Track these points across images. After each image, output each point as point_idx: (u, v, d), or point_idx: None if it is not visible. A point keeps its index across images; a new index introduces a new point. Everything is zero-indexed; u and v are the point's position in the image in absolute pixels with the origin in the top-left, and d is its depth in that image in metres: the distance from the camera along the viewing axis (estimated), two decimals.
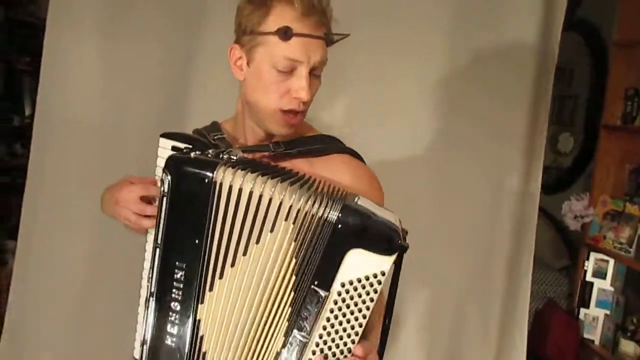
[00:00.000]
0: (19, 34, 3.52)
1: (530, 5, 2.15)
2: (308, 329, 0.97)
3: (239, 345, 1.01)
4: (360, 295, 0.95)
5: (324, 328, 0.96)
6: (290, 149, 1.10)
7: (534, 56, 2.17)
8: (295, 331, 0.97)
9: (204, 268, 0.98)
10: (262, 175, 0.96)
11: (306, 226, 0.94)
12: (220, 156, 1.02)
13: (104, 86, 2.15)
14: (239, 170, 0.95)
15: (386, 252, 0.93)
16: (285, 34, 1.00)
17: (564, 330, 2.36)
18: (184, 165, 0.97)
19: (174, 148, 1.07)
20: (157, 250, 1.00)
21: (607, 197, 2.32)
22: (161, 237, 0.99)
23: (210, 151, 1.04)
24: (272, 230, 0.95)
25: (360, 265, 0.94)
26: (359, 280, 0.94)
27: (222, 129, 1.20)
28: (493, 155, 2.19)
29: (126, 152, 2.18)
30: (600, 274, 2.29)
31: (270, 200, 0.94)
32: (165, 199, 0.98)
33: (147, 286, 1.03)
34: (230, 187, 0.95)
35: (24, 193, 2.19)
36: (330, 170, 1.11)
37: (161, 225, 0.99)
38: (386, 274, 0.95)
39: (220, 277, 0.98)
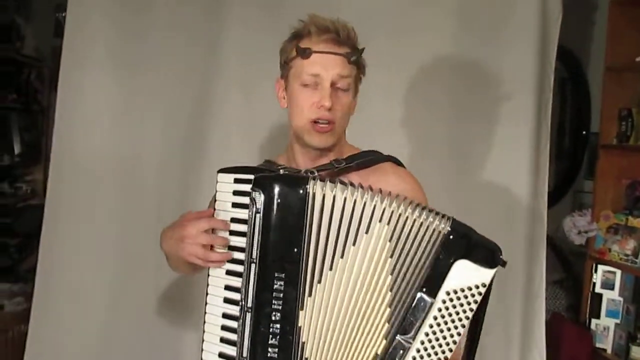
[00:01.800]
0: (2, 71, 3.46)
1: (528, 32, 2.29)
2: (412, 334, 1.02)
3: (339, 349, 1.05)
4: (462, 305, 1.03)
5: (426, 334, 1.03)
6: (349, 163, 1.22)
7: (533, 81, 2.31)
8: (398, 335, 1.03)
9: (304, 275, 1.03)
10: (350, 186, 1.05)
11: (401, 228, 1.03)
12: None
13: (120, 117, 2.18)
14: (328, 183, 1.04)
15: (489, 265, 1.03)
16: (304, 52, 1.18)
17: (576, 341, 2.46)
18: (278, 181, 1.05)
19: (237, 180, 1.14)
20: (252, 265, 1.04)
21: (609, 212, 2.45)
22: (256, 252, 1.04)
23: (281, 171, 1.13)
24: (367, 232, 1.03)
25: (465, 275, 1.03)
26: (462, 290, 1.03)
27: (276, 162, 1.29)
28: (501, 174, 2.30)
29: (144, 184, 2.19)
30: (608, 285, 2.42)
31: (364, 204, 1.03)
32: (258, 215, 1.04)
33: (241, 303, 1.05)
34: (324, 196, 1.03)
35: (41, 231, 2.16)
36: (380, 177, 1.21)
37: (255, 241, 1.04)
38: (486, 286, 1.02)
39: (320, 281, 1.04)
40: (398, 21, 2.20)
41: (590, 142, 3.06)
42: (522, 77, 2.30)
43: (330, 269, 1.03)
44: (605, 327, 2.42)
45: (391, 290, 1.03)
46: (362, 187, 1.04)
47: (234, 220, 1.13)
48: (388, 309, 1.03)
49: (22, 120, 3.39)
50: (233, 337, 1.11)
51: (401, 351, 1.03)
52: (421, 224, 1.02)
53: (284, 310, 1.02)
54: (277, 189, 1.03)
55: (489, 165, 2.29)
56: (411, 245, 1.03)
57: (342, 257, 1.03)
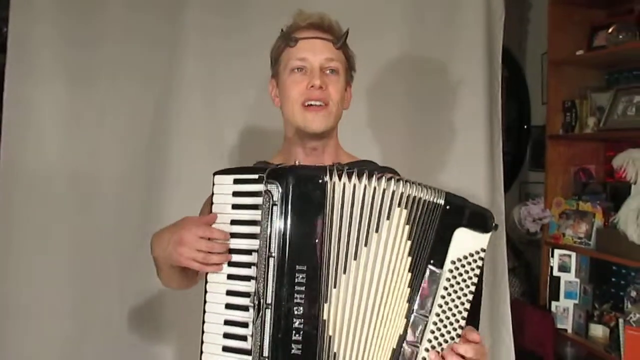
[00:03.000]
0: None
1: (475, 31, 2.40)
2: (429, 307, 1.04)
3: (365, 338, 1.03)
4: (467, 272, 1.05)
5: (440, 306, 1.04)
6: (350, 169, 1.19)
7: (482, 78, 2.41)
8: (415, 312, 1.04)
9: (328, 266, 1.01)
10: (367, 174, 1.04)
11: (415, 209, 1.04)
12: None
13: (74, 130, 2.08)
14: (346, 172, 1.03)
15: (485, 230, 1.05)
16: (290, 40, 1.21)
17: (539, 324, 2.57)
18: (295, 172, 1.03)
19: (237, 181, 1.11)
20: (271, 259, 1.00)
21: (560, 198, 2.58)
22: (274, 246, 1.01)
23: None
24: (388, 218, 1.03)
25: (465, 243, 1.05)
26: (465, 257, 1.05)
27: (271, 163, 1.27)
28: (460, 167, 2.38)
29: (104, 199, 2.10)
30: (565, 268, 2.54)
31: (384, 190, 1.03)
32: (275, 207, 1.01)
33: (257, 301, 1.01)
34: (344, 185, 1.02)
35: None
36: None
37: (274, 234, 1.01)
38: (485, 250, 1.06)
39: (344, 272, 1.02)
40: (357, 23, 2.24)
41: (532, 134, 3.22)
42: (473, 74, 2.40)
43: (355, 258, 1.02)
44: (565, 309, 2.54)
45: (410, 271, 1.04)
46: (378, 174, 1.04)
47: (234, 222, 1.10)
48: (408, 289, 1.04)
49: None
50: (237, 344, 1.06)
51: (420, 326, 1.03)
52: (427, 202, 1.04)
53: (307, 304, 0.99)
54: (294, 180, 1.01)
55: (449, 160, 2.37)
56: (423, 224, 1.04)
57: (365, 245, 1.02)
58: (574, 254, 2.54)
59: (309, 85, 1.18)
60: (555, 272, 2.57)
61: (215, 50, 2.12)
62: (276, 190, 1.01)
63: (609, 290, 2.57)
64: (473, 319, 1.07)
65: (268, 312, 0.99)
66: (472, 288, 1.04)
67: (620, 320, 2.26)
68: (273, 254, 1.00)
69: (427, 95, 2.32)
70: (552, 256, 2.59)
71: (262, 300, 1.00)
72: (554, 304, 2.57)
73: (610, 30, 2.38)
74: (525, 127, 3.28)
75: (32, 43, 2.05)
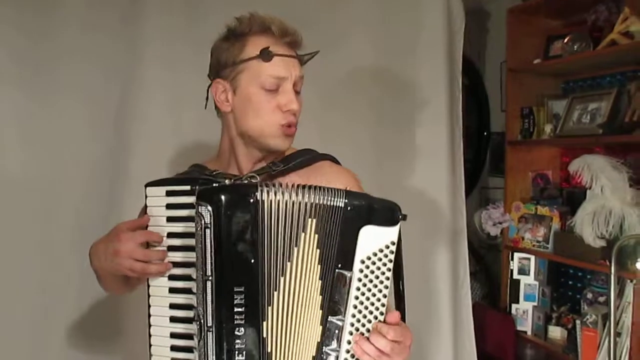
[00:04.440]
0: None
1: (436, 41, 2.45)
2: (342, 311, 1.04)
3: (295, 350, 1.04)
4: (379, 268, 1.05)
5: (355, 307, 1.04)
6: (286, 164, 1.21)
7: (444, 86, 2.46)
8: (330, 317, 1.04)
9: (262, 285, 1.01)
10: (291, 187, 1.04)
11: (322, 216, 1.04)
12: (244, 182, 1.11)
13: (30, 130, 2.02)
14: (273, 187, 1.03)
15: (391, 223, 1.05)
16: (267, 54, 1.13)
17: (499, 327, 2.62)
18: (225, 193, 1.01)
19: (170, 193, 1.11)
20: (208, 282, 1.00)
21: (519, 203, 2.64)
22: (211, 268, 1.00)
23: (226, 181, 1.10)
24: (304, 230, 1.03)
25: (373, 240, 1.04)
26: (375, 254, 1.05)
27: (207, 167, 1.25)
28: (422, 173, 2.42)
29: (63, 203, 2.05)
30: (524, 271, 2.60)
31: (299, 203, 1.03)
32: (208, 230, 0.99)
33: (200, 322, 1.01)
34: (271, 202, 1.02)
35: None
36: (320, 176, 1.21)
37: (208, 257, 1.00)
38: (395, 243, 1.06)
39: (276, 288, 1.02)
40: (319, 33, 2.25)
41: (491, 141, 3.30)
42: (434, 82, 2.45)
43: (282, 274, 1.02)
44: (524, 311, 2.59)
45: (320, 279, 1.04)
46: (299, 186, 1.04)
47: (170, 235, 1.09)
48: (320, 297, 1.04)
49: None
50: (185, 356, 1.08)
51: (337, 331, 1.03)
52: (329, 207, 1.03)
53: (247, 324, 1.00)
54: (225, 201, 0.99)
55: (410, 165, 2.40)
56: (328, 230, 1.04)
57: (289, 260, 1.02)
58: (532, 257, 2.60)
59: (285, 108, 1.15)
60: (515, 275, 2.62)
61: (176, 61, 2.10)
62: (207, 212, 0.99)
63: (567, 293, 2.64)
64: (399, 305, 1.10)
65: (210, 334, 1.00)
66: (387, 283, 1.04)
67: (577, 322, 2.32)
68: (210, 277, 0.99)
69: (388, 100, 2.35)
70: (512, 259, 2.64)
71: (202, 323, 1.00)
72: (514, 306, 2.62)
73: (565, 40, 2.46)
74: (485, 133, 3.35)
75: None
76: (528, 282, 2.58)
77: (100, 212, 2.07)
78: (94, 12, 2.03)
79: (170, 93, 2.11)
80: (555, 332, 2.49)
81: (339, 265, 1.03)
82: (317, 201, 1.02)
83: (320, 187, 1.04)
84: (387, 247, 1.04)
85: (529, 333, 2.59)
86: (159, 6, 2.08)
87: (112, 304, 2.03)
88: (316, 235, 1.03)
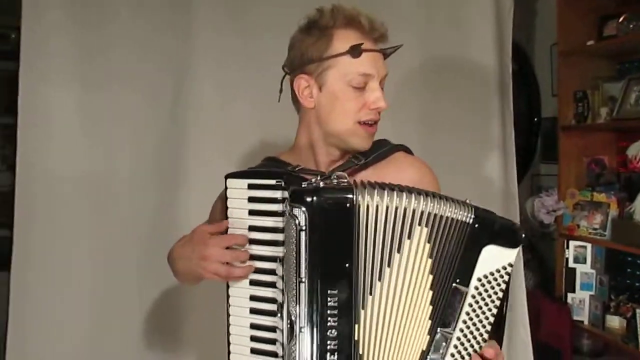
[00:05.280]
0: None
1: (485, 25, 2.40)
2: (453, 324, 1.04)
3: (391, 355, 1.04)
4: (492, 287, 1.04)
5: (464, 322, 1.04)
6: (367, 158, 1.19)
7: (493, 71, 2.42)
8: (439, 328, 1.04)
9: (356, 289, 1.00)
10: (390, 190, 1.02)
11: (437, 227, 1.02)
12: (334, 181, 1.08)
13: (87, 135, 2.08)
14: (370, 189, 1.01)
15: (513, 245, 1.04)
16: (357, 51, 1.10)
17: (555, 316, 2.57)
18: (323, 195, 0.99)
19: (252, 186, 1.10)
20: (302, 285, 1.00)
21: (574, 189, 2.58)
22: (305, 271, 0.99)
23: (312, 179, 1.06)
24: (409, 237, 1.02)
25: (492, 259, 1.04)
26: (492, 274, 1.04)
27: (283, 160, 1.24)
28: (473, 159, 2.38)
29: (118, 202, 2.11)
30: (580, 259, 2.53)
31: (404, 209, 1.01)
32: (303, 233, 0.99)
33: (291, 322, 1.01)
34: (368, 206, 1.00)
35: (11, 263, 2.04)
36: (396, 169, 1.20)
37: (302, 260, 0.99)
38: (512, 265, 1.06)
39: (371, 293, 1.01)
40: None
41: (542, 127, 3.21)
42: (483, 67, 2.40)
43: (379, 279, 1.01)
44: (581, 300, 2.53)
45: (432, 289, 1.03)
46: (400, 189, 1.02)
47: (252, 228, 1.09)
48: (430, 307, 1.03)
49: None
50: (265, 347, 1.08)
51: (443, 343, 1.04)
52: (452, 220, 1.02)
53: (339, 326, 0.99)
54: (321, 204, 0.98)
55: (463, 153, 2.36)
56: (445, 241, 1.03)
57: (389, 266, 1.01)
58: (589, 245, 2.53)
59: (373, 106, 1.12)
60: (571, 264, 2.56)
61: (228, 52, 2.13)
62: (302, 215, 0.98)
63: (625, 281, 2.56)
64: (497, 329, 1.07)
65: (302, 335, 1.00)
66: (497, 303, 1.04)
67: (638, 311, 2.25)
68: (303, 280, 0.99)
69: (439, 91, 2.32)
70: (567, 248, 2.58)
71: (295, 323, 1.00)
72: (569, 295, 2.56)
73: (620, 19, 2.37)
74: (536, 119, 3.27)
75: (44, 48, 2.05)
76: (584, 270, 2.52)
77: (153, 205, 2.13)
78: (142, 23, 2.08)
79: (221, 83, 2.13)
80: (614, 322, 2.42)
81: (457, 280, 1.03)
82: (430, 210, 1.01)
83: (441, 197, 1.03)
84: (504, 268, 1.03)
85: (586, 322, 2.52)
86: (209, 5, 2.10)
87: (172, 296, 2.08)
88: (427, 245, 1.01)
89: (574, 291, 2.55)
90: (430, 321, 1.04)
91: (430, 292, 1.03)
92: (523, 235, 1.05)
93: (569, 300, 2.56)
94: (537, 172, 3.26)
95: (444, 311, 1.03)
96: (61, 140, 2.07)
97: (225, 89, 2.14)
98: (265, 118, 2.14)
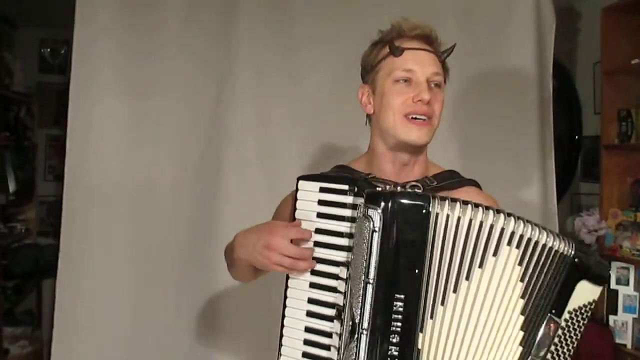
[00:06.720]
0: None
1: (526, 40, 2.39)
2: (543, 353, 1.05)
3: None
4: (578, 321, 1.07)
5: (551, 353, 1.06)
6: (439, 183, 1.20)
7: (534, 88, 2.40)
8: (531, 357, 1.05)
9: (425, 296, 1.00)
10: (474, 206, 1.02)
11: (530, 251, 1.02)
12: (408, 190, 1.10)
13: (132, 141, 2.15)
14: (450, 202, 1.01)
15: (600, 283, 1.08)
16: (396, 50, 1.16)
17: (597, 339, 2.51)
18: (397, 199, 1.00)
19: (324, 190, 1.11)
20: (369, 286, 0.99)
21: (617, 210, 2.53)
22: (374, 273, 0.99)
23: (387, 187, 1.09)
24: (495, 255, 1.02)
25: (583, 294, 1.07)
26: (580, 308, 1.07)
27: (354, 169, 1.25)
28: (512, 177, 2.36)
29: (160, 208, 2.17)
30: (623, 281, 2.48)
31: (490, 226, 1.01)
32: (375, 234, 0.99)
33: (353, 323, 1.01)
34: (447, 217, 1.00)
35: (58, 268, 2.12)
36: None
37: (372, 261, 0.99)
38: (596, 302, 1.09)
39: (442, 303, 1.01)
40: None
41: (583, 145, 3.16)
42: (524, 83, 2.40)
43: (454, 291, 1.01)
44: (624, 323, 2.47)
45: (523, 314, 1.03)
46: (485, 207, 1.02)
47: (318, 231, 1.10)
48: (521, 332, 1.04)
49: (15, 158, 3.31)
50: (318, 352, 1.08)
51: None
52: (550, 248, 1.03)
53: (402, 332, 0.98)
54: (397, 207, 0.98)
55: (502, 170, 2.35)
56: (541, 269, 1.03)
57: (467, 279, 1.01)
58: (632, 267, 2.47)
59: (416, 99, 1.14)
60: (613, 286, 2.50)
61: (267, 62, 2.18)
62: (377, 216, 0.98)
63: None
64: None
65: (364, 337, 0.99)
66: (579, 337, 1.08)
67: None
68: (371, 281, 0.99)
69: (480, 106, 2.32)
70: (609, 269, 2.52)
71: (358, 324, 1.00)
72: (611, 318, 2.50)
73: None
74: (577, 137, 3.23)
75: (93, 59, 2.14)
76: (627, 292, 2.46)
77: (194, 217, 2.18)
78: (193, 10, 2.14)
79: (260, 94, 2.19)
80: None
81: (553, 311, 1.05)
82: (522, 233, 1.02)
83: (529, 222, 1.03)
84: (590, 303, 1.07)
85: (629, 346, 2.46)
86: (251, 8, 2.17)
87: (208, 300, 2.12)
88: (518, 267, 1.02)
89: (616, 314, 2.49)
90: (521, 347, 1.04)
91: (522, 317, 1.04)
92: (610, 273, 1.10)
93: (611, 322, 2.50)
94: (577, 190, 3.21)
95: (535, 339, 1.04)
96: (107, 150, 2.15)
97: (265, 96, 2.19)
98: (302, 129, 2.18)
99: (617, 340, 2.48)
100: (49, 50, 3.81)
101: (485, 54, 2.36)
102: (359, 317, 1.00)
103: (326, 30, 2.21)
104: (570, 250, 1.05)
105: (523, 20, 2.38)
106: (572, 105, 3.23)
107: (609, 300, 2.52)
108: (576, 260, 1.05)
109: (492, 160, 2.33)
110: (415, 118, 1.15)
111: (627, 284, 2.48)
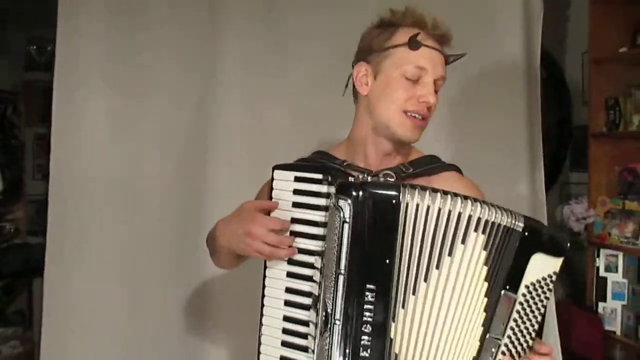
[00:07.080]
0: None
1: (513, 29, 2.39)
2: (502, 330, 1.05)
3: (435, 357, 1.04)
4: (538, 295, 1.06)
5: (511, 329, 1.05)
6: (416, 169, 1.20)
7: (522, 77, 2.40)
8: (489, 335, 1.05)
9: (396, 287, 1.01)
10: (442, 194, 1.02)
11: (493, 235, 1.03)
12: (381, 179, 1.11)
13: (117, 139, 2.13)
14: (420, 191, 1.01)
15: (559, 254, 1.06)
16: (416, 43, 1.13)
17: (586, 326, 2.53)
18: (367, 189, 1.00)
19: (298, 179, 1.11)
20: (340, 276, 1.00)
21: (605, 197, 2.54)
22: (345, 264, 1.00)
23: (360, 176, 1.09)
24: (463, 242, 1.02)
25: (539, 267, 1.05)
26: (538, 282, 1.05)
27: (333, 155, 1.25)
28: (501, 167, 2.37)
29: (146, 204, 2.16)
30: (611, 268, 2.50)
31: (459, 214, 1.01)
32: (346, 225, 0.99)
33: (326, 314, 1.01)
34: (417, 206, 1.00)
35: (44, 267, 2.10)
36: (446, 186, 1.16)
37: (343, 252, 1.00)
38: (557, 274, 1.07)
39: (414, 292, 1.02)
40: None
41: (573, 135, 3.17)
42: (512, 73, 2.39)
43: (425, 280, 1.02)
44: (613, 310, 2.49)
45: (486, 296, 1.04)
46: (454, 195, 1.02)
47: (294, 220, 1.10)
48: (484, 314, 1.04)
49: (3, 157, 3.28)
50: (296, 340, 1.08)
51: (493, 349, 1.05)
52: (505, 227, 1.03)
53: (374, 322, 0.99)
54: (367, 198, 0.98)
55: (491, 161, 2.34)
56: (500, 250, 1.04)
57: (437, 267, 1.01)
58: (620, 254, 2.49)
59: (422, 99, 1.13)
60: (602, 273, 2.52)
61: (253, 57, 2.16)
62: (347, 207, 0.98)
63: None
64: (538, 333, 1.10)
65: (337, 327, 1.00)
66: (542, 310, 1.06)
67: None
68: (342, 272, 0.99)
69: (467, 97, 2.31)
70: (598, 256, 2.54)
71: (330, 315, 1.01)
72: (600, 305, 2.52)
73: None
74: (565, 127, 3.24)
75: (77, 57, 2.12)
76: (616, 279, 2.48)
77: (182, 207, 2.17)
78: (176, 11, 2.13)
79: (247, 89, 2.17)
80: None
81: (507, 287, 1.04)
82: (488, 218, 1.01)
83: (492, 205, 1.03)
84: (550, 276, 1.06)
85: (618, 333, 2.48)
86: (237, 6, 2.15)
87: (197, 294, 2.11)
88: (484, 252, 1.02)
89: (605, 300, 2.51)
90: (482, 328, 1.05)
91: (485, 300, 1.04)
92: (568, 245, 1.07)
93: (600, 309, 2.53)
94: (566, 180, 3.22)
95: (494, 318, 1.05)
96: (92, 147, 2.13)
97: (251, 94, 2.17)
98: (291, 122, 2.17)
99: (607, 327, 2.51)
100: (35, 47, 3.77)
101: (472, 43, 2.33)
102: (331, 307, 1.00)
103: (313, 27, 2.20)
104: (519, 225, 1.03)
105: (510, 9, 2.37)
106: (561, 95, 3.24)
107: (598, 287, 2.55)
108: (526, 234, 1.03)
109: (480, 150, 2.33)
110: (414, 116, 1.14)
111: (616, 271, 2.50)
